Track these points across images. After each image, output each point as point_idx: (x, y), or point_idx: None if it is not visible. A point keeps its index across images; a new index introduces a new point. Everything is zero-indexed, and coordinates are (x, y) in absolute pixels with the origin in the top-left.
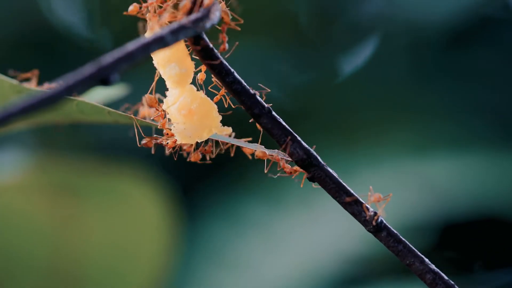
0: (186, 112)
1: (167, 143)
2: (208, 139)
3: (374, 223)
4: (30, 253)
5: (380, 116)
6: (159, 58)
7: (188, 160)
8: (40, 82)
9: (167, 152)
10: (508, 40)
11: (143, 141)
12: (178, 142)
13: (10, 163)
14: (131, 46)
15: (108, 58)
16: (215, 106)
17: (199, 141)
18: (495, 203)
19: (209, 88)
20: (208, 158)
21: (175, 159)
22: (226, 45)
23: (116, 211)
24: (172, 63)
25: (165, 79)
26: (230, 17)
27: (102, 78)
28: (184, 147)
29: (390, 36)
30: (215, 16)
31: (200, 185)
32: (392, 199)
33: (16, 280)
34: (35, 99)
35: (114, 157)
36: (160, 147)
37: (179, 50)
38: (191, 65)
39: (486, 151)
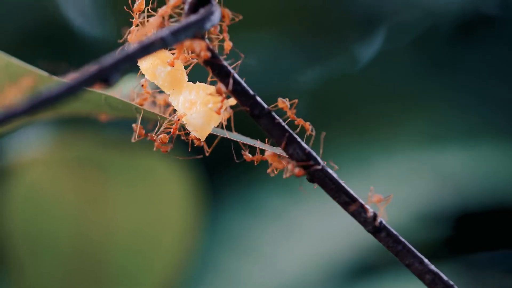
0: (188, 104)
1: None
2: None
3: (376, 224)
4: (55, 235)
5: (394, 107)
6: (146, 71)
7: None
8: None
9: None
10: None
11: (160, 137)
12: (193, 135)
13: (36, 138)
14: (131, 47)
15: (109, 59)
16: (212, 87)
17: (215, 125)
18: (509, 192)
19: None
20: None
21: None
22: (230, 43)
23: (141, 189)
24: (158, 67)
25: (163, 89)
26: (231, 16)
27: (103, 79)
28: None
29: (403, 27)
30: (215, 16)
31: (218, 173)
32: (406, 189)
33: (40, 263)
34: (41, 97)
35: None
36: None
37: (158, 53)
38: (176, 61)
39: (500, 141)
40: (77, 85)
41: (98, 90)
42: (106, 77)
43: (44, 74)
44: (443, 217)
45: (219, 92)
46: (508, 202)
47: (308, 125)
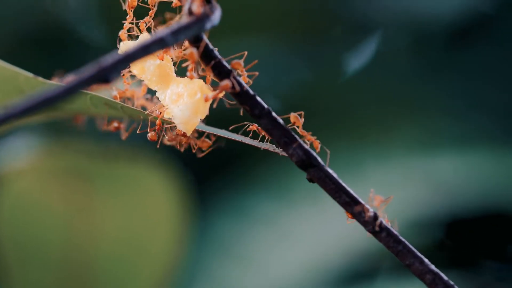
0: (176, 96)
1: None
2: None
3: (376, 224)
4: (44, 243)
5: (387, 113)
6: (135, 65)
7: (196, 151)
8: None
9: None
10: None
11: (149, 135)
12: (180, 129)
13: (23, 149)
14: (131, 46)
15: (109, 59)
16: (201, 80)
17: (201, 118)
18: (501, 199)
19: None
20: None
21: (182, 151)
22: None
23: (128, 198)
24: (147, 62)
25: (149, 84)
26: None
27: (103, 78)
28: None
29: (396, 32)
30: (215, 16)
31: (208, 180)
32: (398, 195)
33: (29, 271)
34: (36, 99)
35: (128, 144)
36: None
37: None
38: (165, 56)
39: (492, 147)
40: (77, 85)
41: (84, 90)
42: (106, 77)
43: (30, 75)
44: (435, 223)
45: (225, 89)
46: (500, 209)
47: (317, 143)
